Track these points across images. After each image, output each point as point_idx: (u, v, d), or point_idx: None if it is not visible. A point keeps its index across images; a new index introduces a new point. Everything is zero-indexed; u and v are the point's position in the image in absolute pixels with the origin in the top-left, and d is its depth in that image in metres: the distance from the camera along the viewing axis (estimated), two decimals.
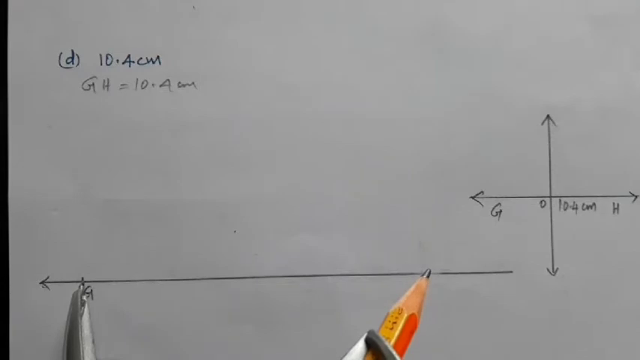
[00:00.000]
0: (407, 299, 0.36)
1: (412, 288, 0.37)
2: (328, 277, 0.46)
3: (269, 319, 0.46)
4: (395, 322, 0.34)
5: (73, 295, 0.44)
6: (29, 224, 0.46)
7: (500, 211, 0.47)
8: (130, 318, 0.46)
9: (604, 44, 0.47)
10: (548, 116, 0.47)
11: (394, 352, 0.32)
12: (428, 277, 0.38)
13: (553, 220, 0.47)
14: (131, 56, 0.47)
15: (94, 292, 0.46)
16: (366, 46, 0.47)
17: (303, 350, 0.46)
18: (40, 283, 0.46)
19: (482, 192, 0.47)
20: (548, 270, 0.47)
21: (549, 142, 0.47)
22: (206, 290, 0.46)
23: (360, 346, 0.33)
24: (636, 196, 0.47)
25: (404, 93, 0.47)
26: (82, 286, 0.46)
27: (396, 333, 0.33)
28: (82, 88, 0.47)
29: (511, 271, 0.47)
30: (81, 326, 0.41)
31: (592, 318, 0.47)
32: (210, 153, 0.47)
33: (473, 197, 0.47)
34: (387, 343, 0.32)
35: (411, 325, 0.35)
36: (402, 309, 0.36)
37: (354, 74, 0.47)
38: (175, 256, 0.46)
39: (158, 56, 0.47)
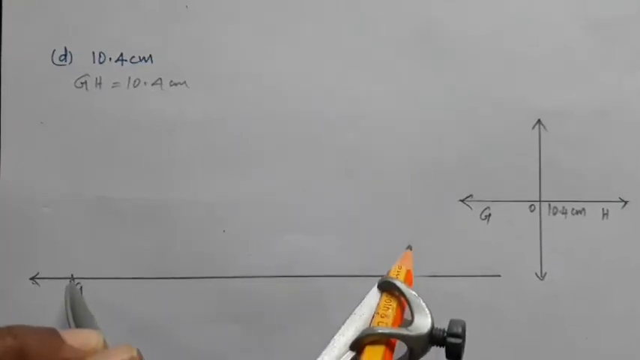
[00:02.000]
0: (401, 260, 0.40)
1: (401, 256, 0.40)
2: (317, 277, 0.47)
3: (257, 319, 0.46)
4: (397, 275, 0.37)
5: (67, 287, 0.44)
6: (20, 220, 0.46)
7: (490, 214, 0.47)
8: (119, 315, 0.46)
9: (595, 50, 0.47)
10: (539, 121, 0.47)
11: (408, 287, 0.36)
12: (410, 249, 0.41)
13: (542, 224, 0.47)
14: (124, 54, 0.47)
15: (83, 289, 0.46)
16: (359, 48, 0.47)
17: (291, 350, 0.46)
18: (30, 279, 0.46)
19: (471, 195, 0.47)
20: (536, 274, 0.47)
21: (540, 146, 0.47)
22: (196, 289, 0.46)
23: (374, 290, 0.37)
24: (626, 202, 0.47)
25: (395, 95, 0.47)
26: (71, 282, 0.46)
27: (402, 279, 0.37)
28: (75, 86, 0.47)
29: (499, 275, 0.47)
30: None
31: (580, 323, 0.47)
32: (201, 152, 0.47)
33: (462, 200, 0.47)
34: (400, 281, 0.36)
35: (409, 279, 0.38)
36: (400, 266, 0.38)
37: (345, 75, 0.47)
38: (165, 255, 0.46)
39: (150, 55, 0.47)
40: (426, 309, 0.35)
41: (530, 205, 0.47)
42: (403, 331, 0.33)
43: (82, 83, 0.47)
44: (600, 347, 0.47)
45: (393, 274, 0.37)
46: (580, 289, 0.47)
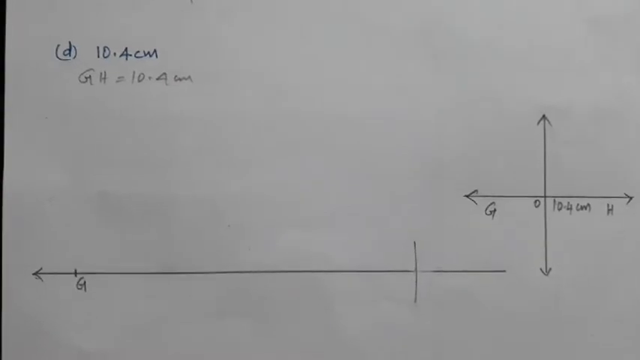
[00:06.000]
0: None
1: None
2: (321, 273, 0.46)
3: (261, 313, 0.46)
4: None
5: None
6: (23, 215, 0.46)
7: (495, 210, 0.47)
8: (123, 310, 0.46)
9: (600, 46, 0.47)
10: (544, 116, 0.47)
11: None
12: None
13: (547, 220, 0.47)
14: (128, 49, 0.47)
15: (87, 284, 0.46)
16: (362, 46, 0.47)
17: (294, 345, 0.46)
18: (34, 274, 0.46)
19: (476, 191, 0.47)
20: (541, 270, 0.47)
21: (545, 142, 0.47)
22: (199, 284, 0.46)
23: None
24: (631, 198, 0.47)
25: (399, 92, 0.47)
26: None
27: None
28: (79, 81, 0.47)
29: (504, 271, 0.47)
30: None
31: (584, 318, 0.47)
32: (205, 147, 0.47)
33: (467, 196, 0.47)
34: None
35: None
36: None
37: (349, 73, 0.47)
38: (169, 250, 0.46)
39: (155, 50, 0.47)
40: None
41: (535, 201, 0.47)
42: None
43: (86, 78, 0.47)
44: (605, 342, 0.47)
45: None
46: (585, 285, 0.47)
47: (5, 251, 0.46)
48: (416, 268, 0.46)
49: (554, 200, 0.47)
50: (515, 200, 0.47)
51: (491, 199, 0.47)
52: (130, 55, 0.47)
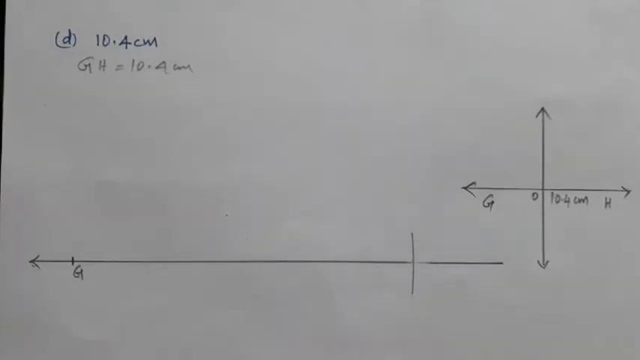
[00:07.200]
0: None
1: None
2: (318, 263, 0.46)
3: (258, 303, 0.46)
4: None
5: None
6: (21, 203, 0.46)
7: (492, 202, 0.47)
8: (120, 299, 0.46)
9: (600, 38, 0.47)
10: (542, 109, 0.47)
11: None
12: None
13: (545, 212, 0.47)
14: (128, 37, 0.47)
15: (84, 272, 0.46)
16: (362, 35, 0.47)
17: (291, 335, 0.46)
18: (30, 261, 0.46)
19: (474, 183, 0.47)
20: (538, 262, 0.47)
21: (543, 134, 0.47)
22: (197, 273, 0.46)
23: None
24: (628, 191, 0.47)
25: (398, 83, 0.47)
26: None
27: None
28: (79, 68, 0.47)
29: (501, 263, 0.47)
30: None
31: (581, 311, 0.47)
32: (204, 136, 0.47)
33: (465, 188, 0.47)
34: None
35: None
36: None
37: (348, 62, 0.47)
38: (166, 238, 0.46)
39: (155, 38, 0.47)
40: None
41: (533, 194, 0.47)
42: None
43: (85, 66, 0.47)
44: (600, 335, 0.47)
45: None
46: (582, 278, 0.47)
47: (2, 238, 0.46)
48: (413, 260, 0.46)
49: (552, 193, 0.47)
50: (513, 193, 0.47)
51: (489, 192, 0.47)
52: (130, 44, 0.47)
